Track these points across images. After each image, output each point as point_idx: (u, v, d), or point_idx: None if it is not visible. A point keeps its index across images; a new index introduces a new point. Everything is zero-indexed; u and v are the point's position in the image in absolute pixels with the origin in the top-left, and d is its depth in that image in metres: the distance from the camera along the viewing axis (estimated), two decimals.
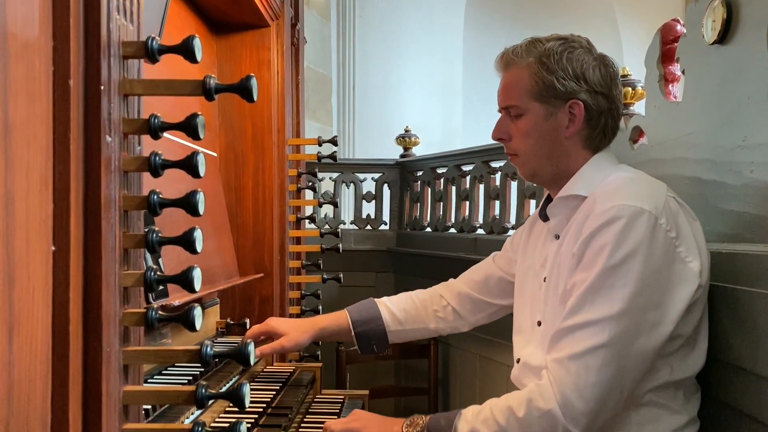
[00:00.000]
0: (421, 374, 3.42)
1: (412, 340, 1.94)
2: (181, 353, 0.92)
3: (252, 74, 0.92)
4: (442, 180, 3.63)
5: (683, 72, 1.83)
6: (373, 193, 3.94)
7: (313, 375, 2.07)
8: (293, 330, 1.80)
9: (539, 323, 1.52)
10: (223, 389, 1.62)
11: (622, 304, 1.29)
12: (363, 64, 6.62)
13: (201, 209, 0.92)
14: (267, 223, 2.16)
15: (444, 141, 5.92)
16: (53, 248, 0.82)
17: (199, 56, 0.91)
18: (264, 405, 1.62)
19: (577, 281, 1.35)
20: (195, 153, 0.91)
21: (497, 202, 3.17)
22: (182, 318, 0.91)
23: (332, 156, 2.36)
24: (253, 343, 0.93)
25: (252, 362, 0.92)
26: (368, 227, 3.93)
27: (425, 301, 1.87)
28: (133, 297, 0.95)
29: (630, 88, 2.38)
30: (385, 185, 3.98)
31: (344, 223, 3.94)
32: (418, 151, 3.99)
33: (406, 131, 3.99)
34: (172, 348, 0.93)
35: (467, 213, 3.40)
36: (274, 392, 1.75)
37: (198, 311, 0.91)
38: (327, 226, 3.82)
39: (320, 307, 2.33)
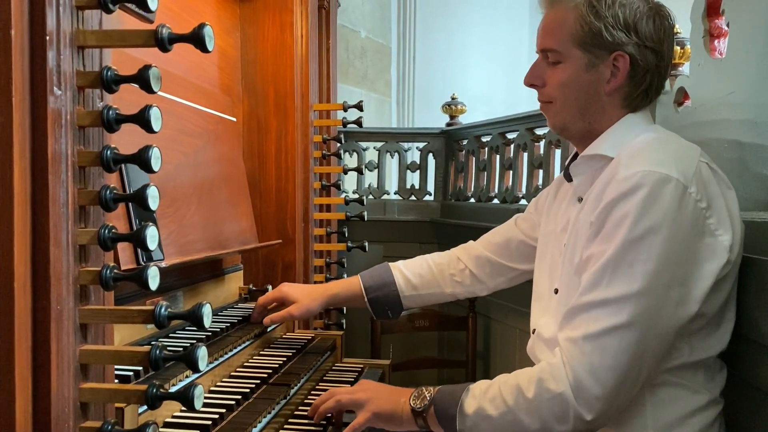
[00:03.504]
0: (461, 346, 3.35)
1: (429, 305, 1.88)
2: (136, 313, 0.89)
3: (206, 22, 0.87)
4: (486, 149, 3.52)
5: (728, 25, 1.67)
6: (418, 162, 3.85)
7: (333, 342, 2.04)
8: (304, 297, 1.78)
9: (556, 291, 1.43)
10: (230, 354, 1.61)
11: (644, 282, 1.17)
12: (424, 34, 6.47)
13: (155, 165, 0.88)
14: (290, 190, 2.14)
15: (508, 112, 5.74)
16: None
17: (153, 5, 0.87)
18: (270, 371, 1.60)
19: (595, 253, 1.24)
20: (148, 106, 0.87)
21: (541, 171, 3.04)
22: (136, 277, 0.88)
23: (357, 122, 2.30)
24: (209, 305, 0.90)
25: (206, 324, 0.89)
26: (412, 197, 3.86)
27: (441, 264, 1.81)
28: (93, 255, 0.93)
29: (679, 48, 2.21)
30: (430, 154, 3.88)
31: (388, 193, 3.88)
32: (471, 120, 3.85)
33: (453, 99, 3.87)
34: (127, 308, 0.90)
35: (510, 183, 3.28)
36: (285, 359, 1.73)
37: (153, 271, 0.89)
38: (371, 196, 3.79)
39: (345, 275, 2.30)
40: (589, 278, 1.24)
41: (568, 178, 1.47)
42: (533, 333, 1.51)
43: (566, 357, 1.22)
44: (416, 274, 1.80)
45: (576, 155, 1.47)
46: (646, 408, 1.27)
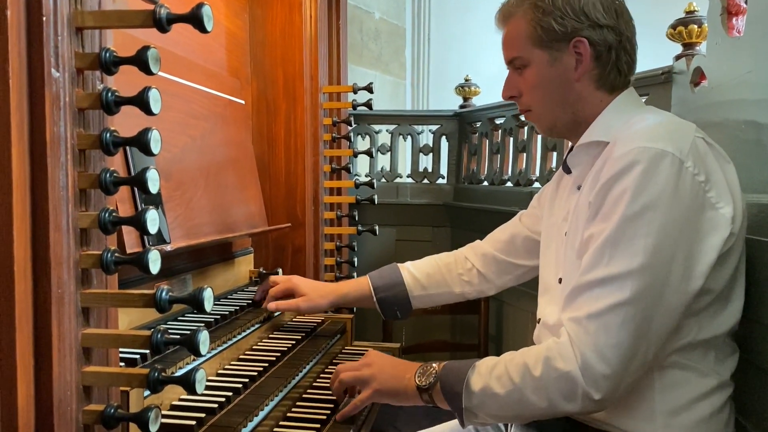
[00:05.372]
0: (474, 330, 3.34)
1: (438, 305, 1.87)
2: (137, 297, 0.89)
3: (204, 2, 0.86)
4: (500, 131, 3.47)
5: (746, 2, 1.63)
6: (431, 145, 3.82)
7: (344, 326, 2.04)
8: (313, 292, 1.79)
9: (560, 280, 1.42)
10: (239, 337, 1.61)
11: (644, 257, 1.16)
12: (439, 13, 6.39)
13: (155, 148, 0.87)
14: (299, 173, 2.13)
15: None
16: None
17: None
18: (279, 354, 1.60)
19: (595, 233, 1.23)
20: (147, 88, 0.86)
21: (555, 154, 3.00)
22: (137, 261, 0.88)
23: (368, 104, 2.28)
24: (210, 289, 0.89)
25: (208, 308, 0.89)
26: (425, 181, 3.83)
27: (450, 264, 1.82)
28: (95, 239, 0.92)
29: (696, 26, 2.15)
30: (443, 137, 3.84)
31: (401, 177, 3.86)
32: (486, 102, 3.79)
33: (466, 80, 3.82)
34: (128, 291, 0.90)
35: (524, 165, 3.24)
36: (295, 342, 1.73)
37: (153, 255, 0.88)
38: (384, 180, 3.77)
39: (355, 259, 2.29)
40: (589, 257, 1.23)
41: (567, 170, 1.47)
42: (539, 322, 1.51)
43: (572, 337, 1.22)
44: (425, 274, 1.80)
45: (573, 148, 1.46)
46: (654, 392, 1.26)
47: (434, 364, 1.38)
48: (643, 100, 1.98)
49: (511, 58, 1.42)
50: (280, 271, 2.09)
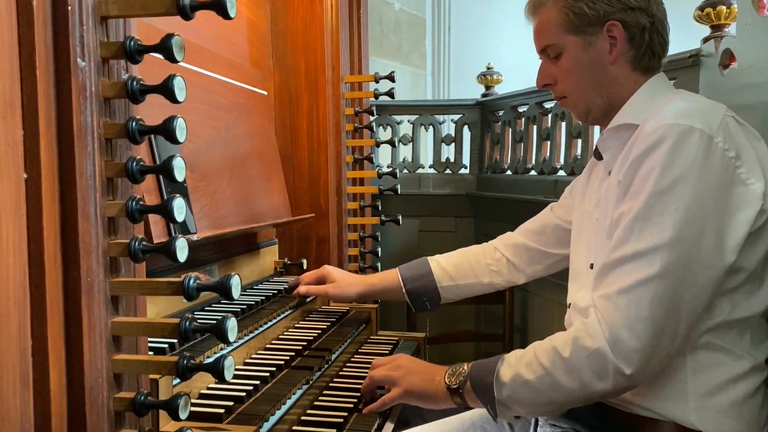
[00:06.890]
0: (498, 320, 3.32)
1: (468, 296, 1.87)
2: (165, 285, 0.89)
3: None
4: (523, 120, 3.44)
5: None
6: (453, 135, 3.80)
7: (368, 315, 2.04)
8: (343, 280, 1.82)
9: (591, 266, 1.40)
10: (265, 327, 1.62)
11: (674, 231, 1.16)
12: (458, 4, 6.35)
13: (180, 136, 0.87)
14: (322, 163, 2.13)
15: None
16: (25, 176, 0.81)
17: None
18: (305, 343, 1.61)
19: (624, 211, 1.23)
20: (172, 76, 0.86)
21: (579, 141, 2.96)
22: (164, 249, 0.88)
23: (389, 93, 2.26)
24: (237, 276, 0.89)
25: (235, 295, 0.89)
26: (447, 171, 3.81)
27: (478, 255, 1.82)
28: (123, 228, 0.93)
29: (725, 7, 2.11)
30: (465, 127, 3.82)
31: (423, 167, 3.84)
32: (507, 91, 3.75)
33: (488, 68, 3.78)
34: (157, 279, 0.90)
35: (548, 153, 3.21)
36: (320, 331, 1.73)
37: (181, 243, 0.88)
38: (406, 170, 3.75)
39: (379, 249, 2.29)
40: (619, 234, 1.23)
41: (599, 156, 1.47)
42: (569, 307, 1.50)
43: (601, 313, 1.21)
44: (452, 264, 1.81)
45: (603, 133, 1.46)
46: (687, 373, 1.24)
47: (464, 365, 1.39)
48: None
49: (544, 47, 1.41)
50: (304, 262, 2.09)
